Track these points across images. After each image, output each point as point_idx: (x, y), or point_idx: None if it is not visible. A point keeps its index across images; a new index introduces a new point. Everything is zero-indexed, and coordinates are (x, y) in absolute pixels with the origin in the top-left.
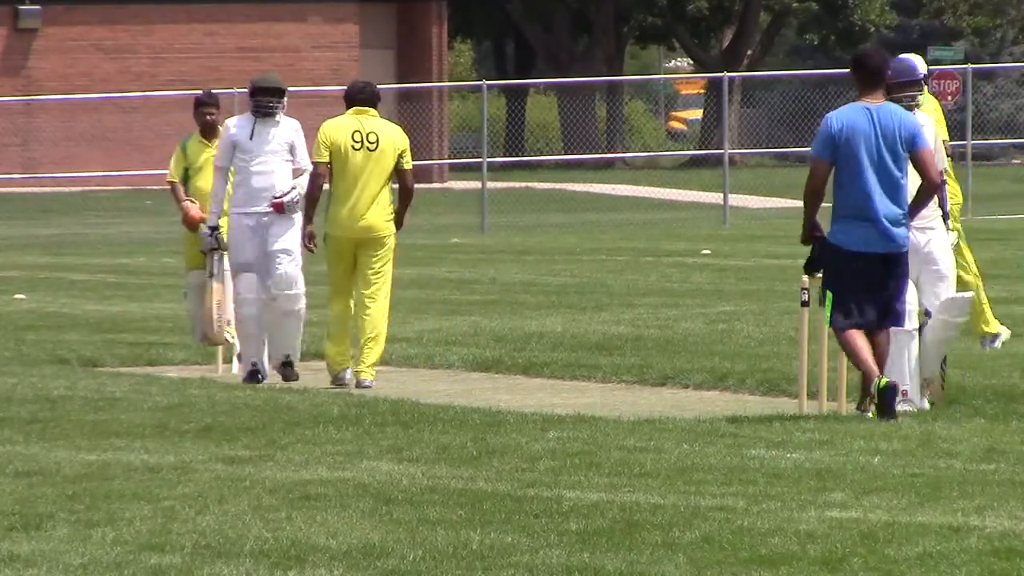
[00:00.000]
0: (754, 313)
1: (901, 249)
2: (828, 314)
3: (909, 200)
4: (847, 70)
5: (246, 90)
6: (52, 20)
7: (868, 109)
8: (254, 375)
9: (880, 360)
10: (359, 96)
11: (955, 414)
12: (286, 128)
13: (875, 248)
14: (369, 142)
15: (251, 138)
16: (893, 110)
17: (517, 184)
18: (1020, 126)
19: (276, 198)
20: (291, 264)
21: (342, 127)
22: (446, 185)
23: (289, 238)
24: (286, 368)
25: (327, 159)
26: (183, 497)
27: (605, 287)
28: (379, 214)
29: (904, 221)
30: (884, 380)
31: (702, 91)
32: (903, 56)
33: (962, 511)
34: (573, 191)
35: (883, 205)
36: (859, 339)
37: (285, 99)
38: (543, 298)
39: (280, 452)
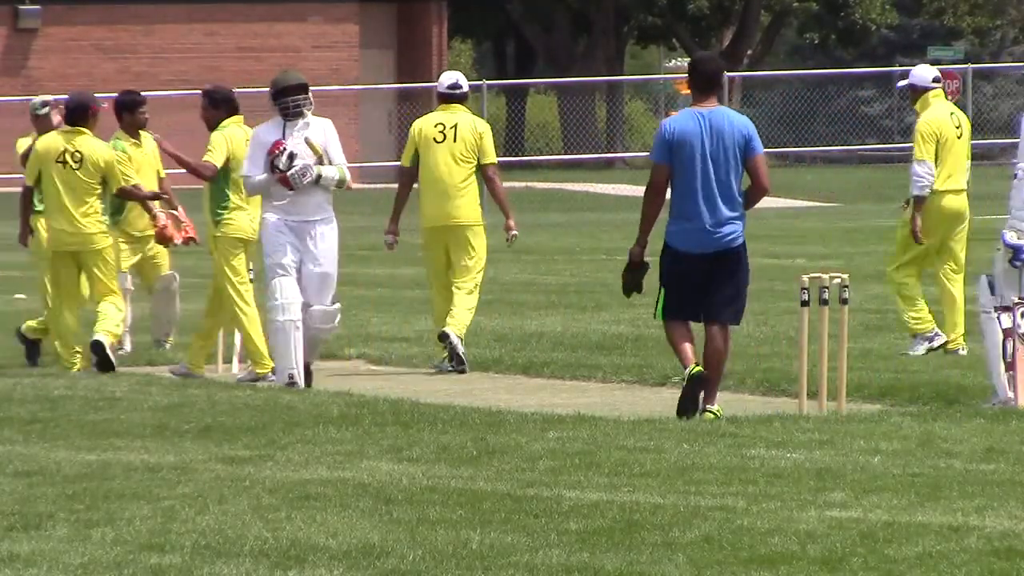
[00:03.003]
0: (754, 313)
1: (730, 247)
2: (659, 308)
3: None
4: (847, 70)
5: (247, 90)
6: (52, 20)
7: (701, 114)
8: (292, 386)
9: (716, 356)
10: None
11: (955, 414)
12: (317, 128)
13: (703, 248)
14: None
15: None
16: (726, 115)
17: (517, 184)
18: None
19: (281, 171)
20: (331, 293)
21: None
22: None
23: (331, 258)
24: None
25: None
26: (183, 497)
27: (605, 287)
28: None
29: (735, 221)
30: (698, 368)
31: None
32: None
33: (962, 511)
34: (573, 191)
35: (712, 207)
36: (679, 328)
37: (311, 94)
38: (543, 298)
39: (280, 452)
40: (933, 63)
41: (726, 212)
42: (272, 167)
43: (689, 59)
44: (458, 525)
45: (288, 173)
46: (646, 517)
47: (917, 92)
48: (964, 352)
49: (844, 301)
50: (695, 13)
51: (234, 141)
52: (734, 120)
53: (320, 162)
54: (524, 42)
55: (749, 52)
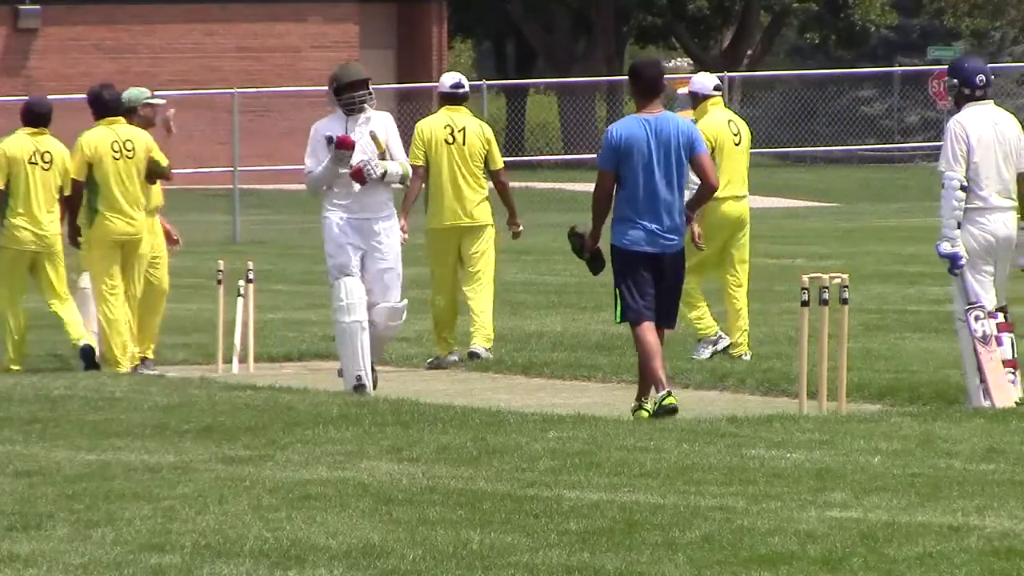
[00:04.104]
0: (754, 313)
1: (672, 251)
2: (617, 312)
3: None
4: (847, 70)
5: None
6: (52, 20)
7: (646, 120)
8: (361, 389)
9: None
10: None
11: (955, 414)
12: (379, 123)
13: (648, 248)
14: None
15: None
16: (670, 118)
17: (517, 184)
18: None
19: (353, 164)
20: (397, 291)
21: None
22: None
23: (395, 254)
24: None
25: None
26: (183, 497)
27: (605, 287)
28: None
29: (678, 226)
30: (670, 400)
31: None
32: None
33: (962, 511)
34: (573, 191)
35: (657, 212)
36: (652, 342)
37: (372, 89)
38: (543, 298)
39: (280, 452)
40: (933, 63)
41: (670, 217)
42: (338, 161)
43: (629, 67)
44: (458, 525)
45: (364, 168)
46: (646, 517)
47: (698, 99)
48: (748, 358)
49: (844, 301)
50: (695, 13)
51: (93, 145)
52: (678, 123)
53: (383, 157)
54: (524, 42)
55: (749, 52)
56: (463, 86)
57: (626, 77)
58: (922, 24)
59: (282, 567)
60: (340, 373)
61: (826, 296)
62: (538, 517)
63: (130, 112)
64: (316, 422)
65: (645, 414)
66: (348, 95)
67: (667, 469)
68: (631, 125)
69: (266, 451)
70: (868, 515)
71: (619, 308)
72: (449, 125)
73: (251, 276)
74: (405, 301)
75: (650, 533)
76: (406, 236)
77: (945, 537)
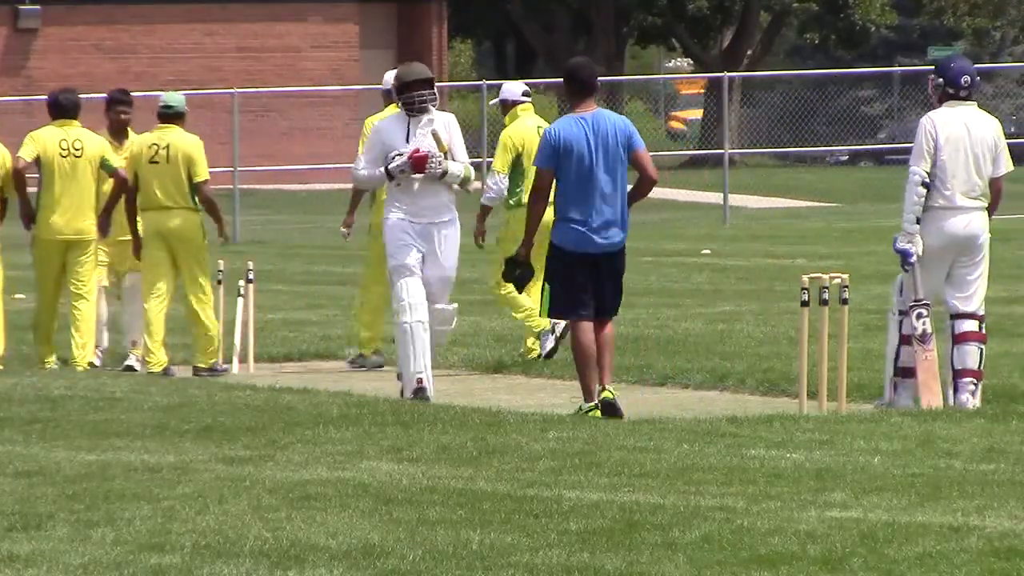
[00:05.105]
0: (754, 313)
1: (614, 248)
2: (545, 306)
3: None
4: (847, 70)
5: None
6: (52, 20)
7: (583, 119)
8: (421, 393)
9: (609, 344)
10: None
11: (955, 414)
12: (441, 124)
13: (589, 248)
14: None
15: (407, 140)
16: (607, 117)
17: None
18: (1020, 126)
19: (417, 152)
20: (449, 294)
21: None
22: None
23: (453, 260)
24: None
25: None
26: (183, 497)
27: None
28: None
29: (619, 222)
30: (596, 406)
31: (702, 91)
32: None
33: (962, 511)
34: None
35: (597, 210)
36: (587, 344)
37: (435, 89)
38: None
39: (280, 452)
40: (933, 63)
41: (610, 214)
42: (403, 172)
43: (564, 67)
44: (458, 525)
45: (430, 159)
46: (646, 517)
47: (507, 106)
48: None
49: (844, 301)
50: (695, 13)
51: (41, 141)
52: (615, 121)
53: (445, 158)
54: (524, 42)
55: (749, 52)
56: (529, 93)
57: (626, 77)
58: (922, 24)
59: (282, 567)
60: (399, 377)
61: (826, 296)
62: (538, 517)
63: (180, 116)
64: (316, 422)
65: (608, 395)
66: (410, 94)
67: (667, 469)
68: (569, 124)
69: (266, 451)
70: (868, 515)
71: (547, 304)
72: (539, 126)
73: (251, 276)
74: (455, 305)
75: (650, 533)
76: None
77: (945, 537)
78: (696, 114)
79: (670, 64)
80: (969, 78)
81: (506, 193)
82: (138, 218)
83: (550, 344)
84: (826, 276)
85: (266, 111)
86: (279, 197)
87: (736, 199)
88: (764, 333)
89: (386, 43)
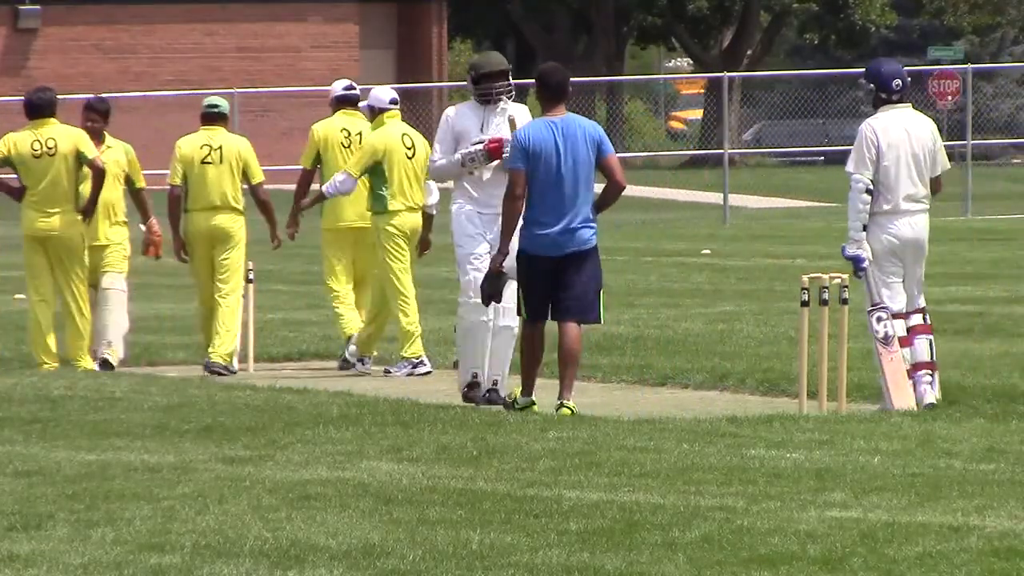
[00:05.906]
0: (754, 313)
1: (582, 248)
2: (523, 307)
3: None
4: (847, 70)
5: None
6: (52, 20)
7: (552, 123)
8: (474, 388)
9: (570, 355)
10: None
11: (955, 414)
12: (517, 115)
13: (552, 253)
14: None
15: (482, 130)
16: (577, 122)
17: None
18: (1020, 126)
19: (494, 140)
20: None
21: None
22: (446, 185)
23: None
24: (493, 394)
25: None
26: (183, 497)
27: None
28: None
29: (588, 224)
30: (524, 406)
31: (702, 91)
32: None
33: (962, 511)
34: None
35: (563, 214)
36: (536, 347)
37: (511, 80)
38: None
39: (280, 452)
40: (933, 63)
41: (578, 218)
42: (475, 161)
43: (536, 72)
44: (458, 525)
45: (504, 145)
46: (646, 517)
47: (374, 112)
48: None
49: (844, 301)
50: (695, 13)
51: (12, 142)
52: (585, 126)
53: None
54: (524, 42)
55: (749, 52)
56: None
57: (626, 77)
58: (922, 24)
59: (282, 567)
60: (455, 364)
61: (826, 296)
62: (538, 517)
63: (224, 117)
64: (316, 422)
65: (567, 411)
66: (488, 85)
67: (667, 469)
68: (539, 128)
69: (266, 451)
70: (868, 515)
71: (523, 305)
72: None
73: (251, 276)
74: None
75: (650, 533)
76: None
77: (945, 537)
78: (696, 114)
79: (670, 64)
80: (900, 81)
81: (350, 194)
82: (180, 218)
83: (401, 373)
84: (826, 276)
85: (266, 111)
86: (279, 197)
87: (736, 199)
88: (764, 333)
89: (386, 43)
